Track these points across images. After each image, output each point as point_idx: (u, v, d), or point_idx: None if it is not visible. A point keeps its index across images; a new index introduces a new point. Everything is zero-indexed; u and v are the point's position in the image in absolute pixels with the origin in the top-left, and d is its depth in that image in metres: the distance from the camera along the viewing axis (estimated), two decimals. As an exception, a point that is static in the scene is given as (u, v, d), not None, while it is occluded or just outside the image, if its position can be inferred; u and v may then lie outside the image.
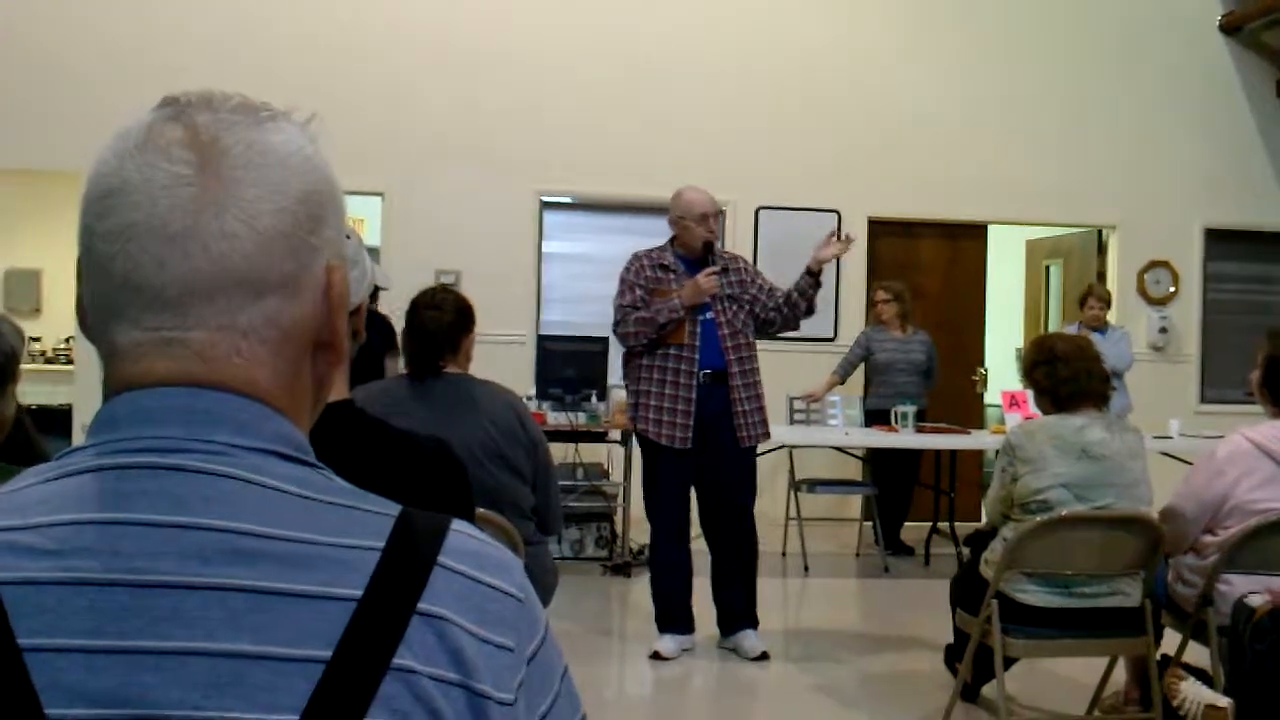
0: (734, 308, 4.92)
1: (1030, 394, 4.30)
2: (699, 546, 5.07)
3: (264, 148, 0.77)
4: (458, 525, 0.79)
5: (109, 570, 0.70)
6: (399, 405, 2.90)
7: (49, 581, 0.70)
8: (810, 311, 5.05)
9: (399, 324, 3.39)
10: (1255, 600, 3.46)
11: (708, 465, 4.91)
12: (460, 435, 2.42)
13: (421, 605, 0.73)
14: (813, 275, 4.95)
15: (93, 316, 0.79)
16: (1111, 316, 8.87)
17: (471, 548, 0.78)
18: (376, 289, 2.64)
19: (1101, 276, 9.10)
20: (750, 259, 7.25)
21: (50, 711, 0.67)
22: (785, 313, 4.99)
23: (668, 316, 4.85)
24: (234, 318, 0.76)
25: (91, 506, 0.72)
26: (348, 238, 0.87)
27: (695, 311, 4.87)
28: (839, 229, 5.36)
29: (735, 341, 4.90)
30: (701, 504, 5.03)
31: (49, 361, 9.83)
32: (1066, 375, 3.76)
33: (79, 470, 0.74)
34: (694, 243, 4.97)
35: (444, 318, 3.14)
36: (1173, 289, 8.91)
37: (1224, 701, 3.67)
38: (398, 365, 3.72)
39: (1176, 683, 3.67)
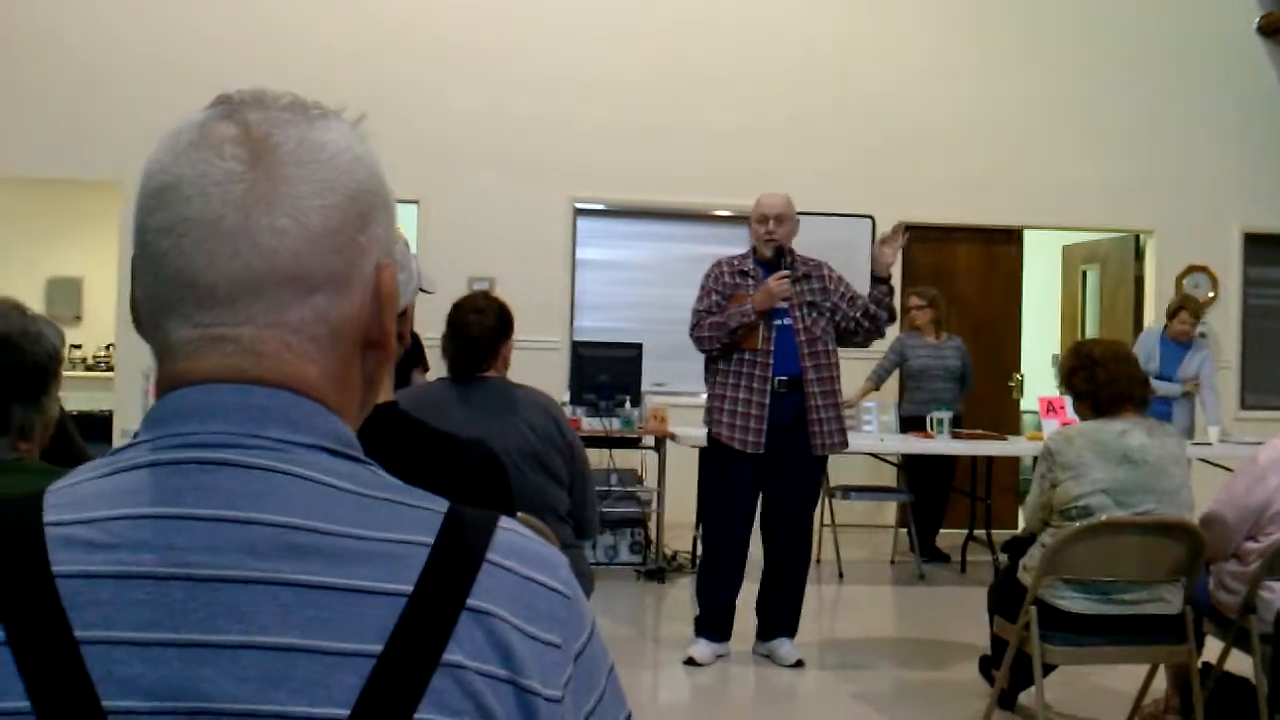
0: (813, 315, 4.89)
1: (1068, 400, 4.27)
2: (752, 555, 5.05)
3: (315, 145, 0.78)
4: (506, 523, 0.79)
5: (164, 564, 0.71)
6: (440, 408, 2.91)
7: (105, 575, 0.70)
8: (892, 318, 5.05)
9: (427, 339, 3.41)
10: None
11: (776, 472, 4.90)
12: (500, 438, 2.43)
13: (471, 601, 0.73)
14: (882, 281, 4.95)
15: (146, 314, 0.79)
16: (1148, 323, 8.81)
17: (520, 545, 0.78)
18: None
19: (1139, 281, 9.02)
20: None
21: (107, 703, 0.68)
22: (866, 325, 4.97)
23: (739, 321, 4.85)
24: (283, 314, 0.76)
25: (146, 501, 0.73)
26: (396, 241, 0.88)
27: (772, 317, 4.86)
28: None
29: (813, 349, 4.87)
30: (765, 511, 5.02)
31: (90, 369, 9.94)
32: (1105, 380, 3.73)
33: (133, 465, 0.75)
34: (759, 245, 4.96)
35: (486, 321, 3.15)
36: (1211, 294, 8.82)
37: None
38: (424, 380, 3.75)
39: None
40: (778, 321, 4.87)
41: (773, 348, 4.85)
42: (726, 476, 4.96)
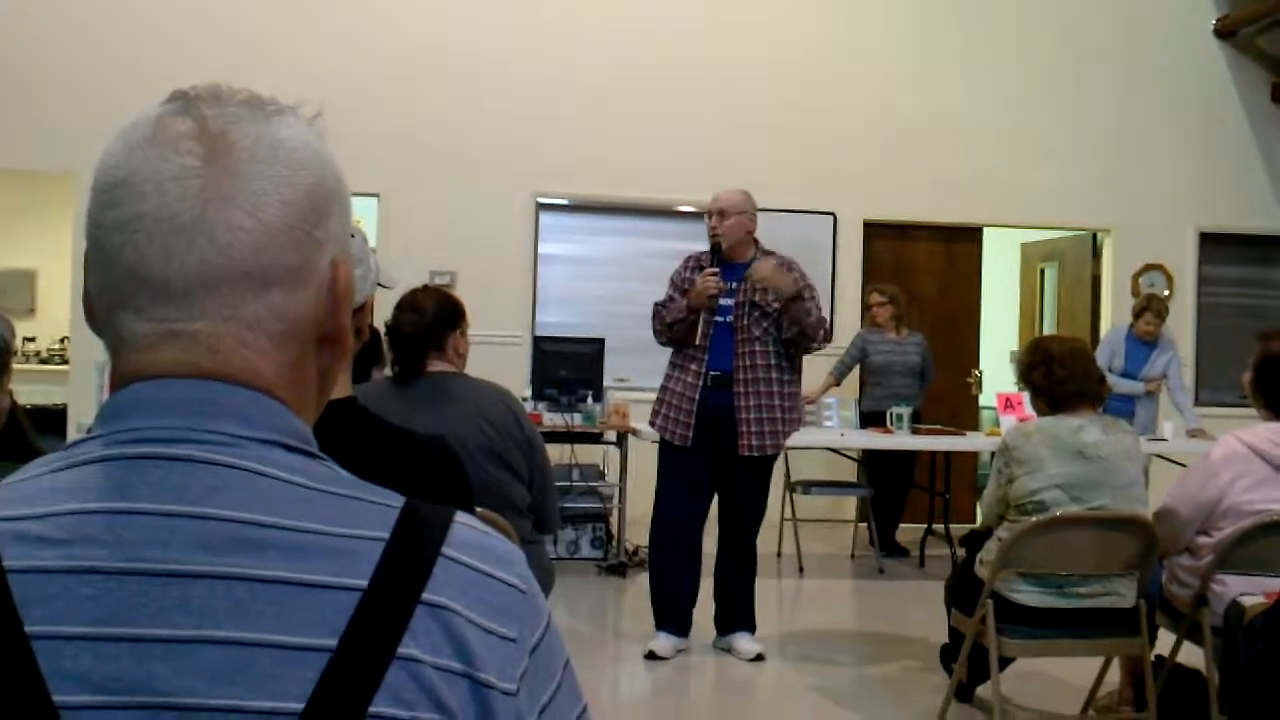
0: (755, 314, 4.83)
1: (1026, 396, 4.32)
2: (707, 548, 5.07)
3: (271, 141, 0.78)
4: (461, 518, 0.80)
5: (116, 559, 0.70)
6: (380, 404, 2.90)
7: (56, 570, 0.70)
8: (816, 327, 4.81)
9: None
10: (1249, 601, 3.48)
11: (720, 468, 4.91)
12: (451, 432, 2.42)
13: (426, 595, 0.73)
14: (793, 300, 4.76)
15: (99, 308, 0.79)
16: (1105, 321, 8.91)
17: (475, 539, 0.78)
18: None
19: (1096, 280, 9.12)
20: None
21: (58, 698, 0.68)
22: (799, 342, 4.86)
23: (673, 315, 4.87)
24: (239, 310, 0.76)
25: (98, 496, 0.73)
26: (352, 235, 0.88)
27: (715, 314, 4.84)
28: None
29: (748, 348, 4.82)
30: (720, 505, 5.03)
31: (44, 362, 9.82)
32: (1063, 376, 3.78)
33: (86, 460, 0.75)
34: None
35: (420, 320, 3.15)
36: (1167, 292, 8.93)
37: None
38: (383, 375, 3.75)
39: None
40: (719, 318, 4.86)
41: (709, 344, 4.85)
42: (669, 469, 4.97)
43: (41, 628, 0.69)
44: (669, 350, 5.07)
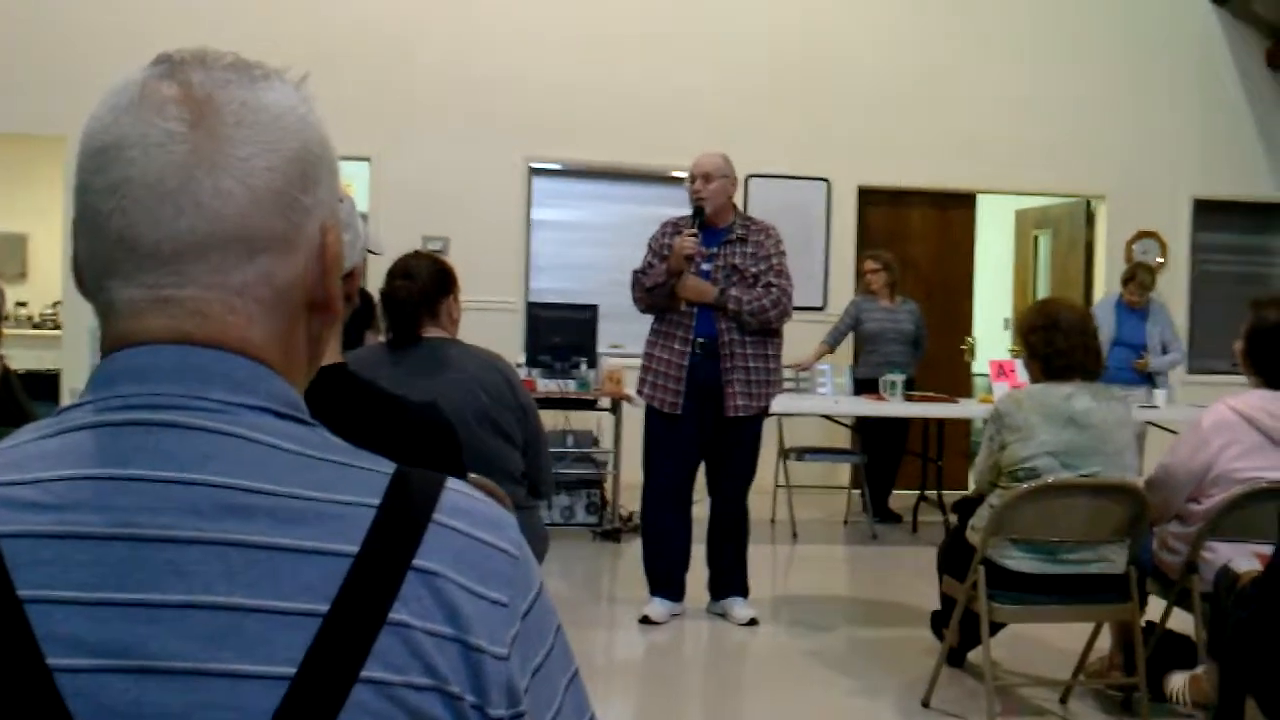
0: (735, 278, 4.84)
1: (1019, 363, 4.32)
2: (698, 514, 5.09)
3: (257, 106, 0.77)
4: (452, 484, 0.80)
5: (108, 525, 0.71)
6: (375, 370, 2.90)
7: (48, 535, 0.70)
8: (761, 322, 4.79)
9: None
10: (1240, 567, 3.50)
11: (708, 435, 4.92)
12: (446, 399, 2.42)
13: (417, 561, 0.74)
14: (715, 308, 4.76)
15: (88, 274, 0.79)
16: (1099, 288, 8.92)
17: (466, 505, 0.79)
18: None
19: (1090, 246, 9.12)
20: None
21: (51, 661, 0.68)
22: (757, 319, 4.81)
23: (653, 281, 4.86)
24: (227, 276, 0.76)
25: (89, 462, 0.73)
26: (341, 201, 0.87)
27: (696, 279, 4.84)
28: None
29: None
30: (708, 471, 5.05)
31: (36, 327, 9.80)
32: (1063, 347, 3.77)
33: (77, 426, 0.75)
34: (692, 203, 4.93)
35: (415, 286, 3.15)
36: (1161, 259, 8.93)
37: (1200, 669, 3.73)
38: (377, 339, 3.74)
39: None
40: None
41: (695, 310, 4.85)
42: (659, 437, 4.98)
43: (34, 592, 0.69)
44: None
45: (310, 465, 0.75)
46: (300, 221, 0.79)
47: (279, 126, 0.78)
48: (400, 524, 0.75)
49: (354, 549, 0.73)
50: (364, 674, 0.70)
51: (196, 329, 0.76)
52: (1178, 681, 3.87)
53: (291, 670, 0.70)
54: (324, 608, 0.71)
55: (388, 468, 0.78)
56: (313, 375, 0.85)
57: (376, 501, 0.75)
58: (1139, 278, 7.29)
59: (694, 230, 4.80)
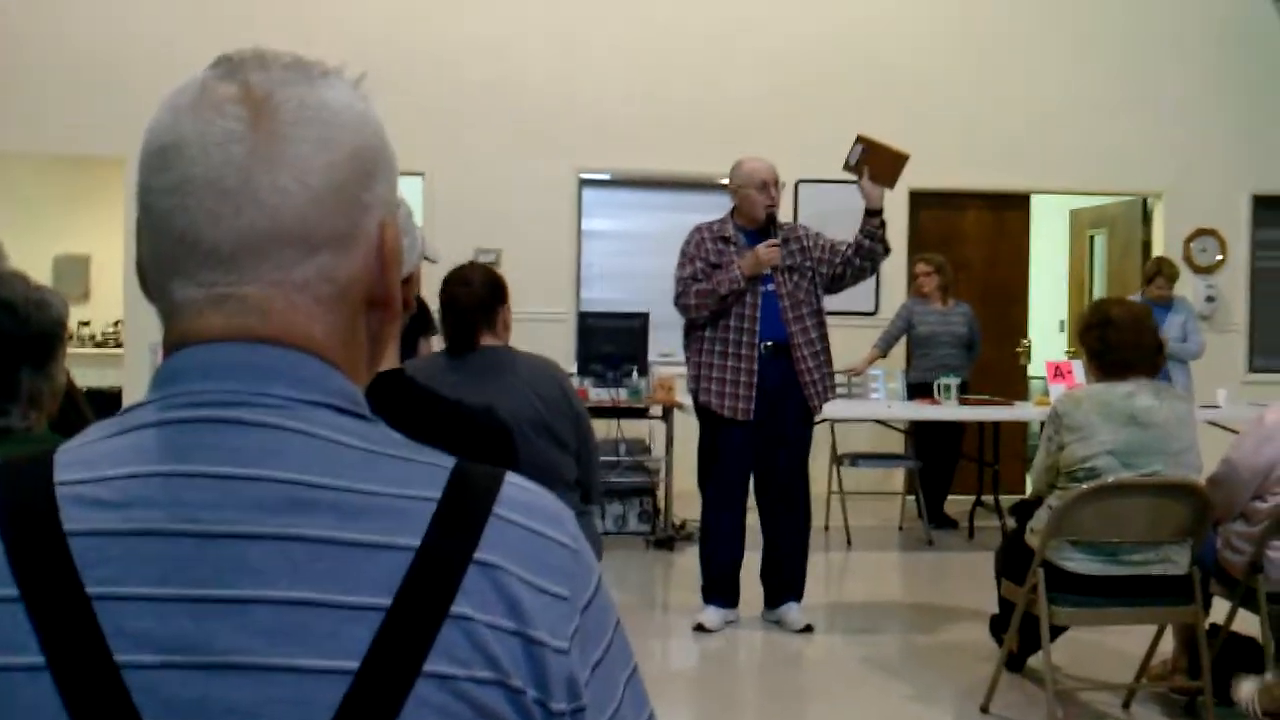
0: (795, 278, 4.93)
1: (1076, 365, 4.27)
2: (750, 521, 5.08)
3: (316, 104, 0.78)
4: (511, 478, 0.80)
5: (174, 521, 0.71)
6: (436, 379, 2.92)
7: (115, 532, 0.71)
8: (886, 251, 5.02)
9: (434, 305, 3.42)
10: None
11: (767, 438, 4.92)
12: (503, 407, 2.43)
13: (478, 555, 0.74)
14: (873, 214, 4.94)
15: (151, 274, 0.80)
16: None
17: (525, 499, 0.79)
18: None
19: (1147, 246, 8.99)
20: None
21: (119, 657, 0.69)
22: (857, 263, 4.97)
23: (729, 288, 4.87)
24: (288, 273, 0.77)
25: (154, 460, 0.74)
26: (398, 206, 0.88)
27: (756, 283, 4.88)
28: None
29: (797, 312, 4.91)
30: (758, 477, 5.04)
31: (99, 345, 9.97)
32: (1115, 342, 3.73)
33: (141, 425, 0.76)
34: (754, 212, 4.97)
35: (475, 292, 3.17)
36: (1220, 257, 8.79)
37: (1269, 676, 3.65)
38: (431, 348, 3.76)
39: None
40: (762, 287, 4.90)
41: (759, 314, 4.86)
42: (718, 444, 4.99)
43: (102, 589, 0.70)
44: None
45: (372, 460, 0.76)
46: (360, 218, 0.79)
47: (337, 124, 0.78)
48: (461, 517, 0.75)
49: (415, 542, 0.73)
50: (427, 667, 0.71)
51: (259, 325, 0.77)
52: (1248, 690, 3.79)
53: (355, 664, 0.70)
54: (387, 601, 0.71)
55: (448, 462, 0.79)
56: (373, 375, 0.86)
57: (437, 495, 0.75)
58: (1165, 271, 7.27)
59: (776, 241, 4.88)
